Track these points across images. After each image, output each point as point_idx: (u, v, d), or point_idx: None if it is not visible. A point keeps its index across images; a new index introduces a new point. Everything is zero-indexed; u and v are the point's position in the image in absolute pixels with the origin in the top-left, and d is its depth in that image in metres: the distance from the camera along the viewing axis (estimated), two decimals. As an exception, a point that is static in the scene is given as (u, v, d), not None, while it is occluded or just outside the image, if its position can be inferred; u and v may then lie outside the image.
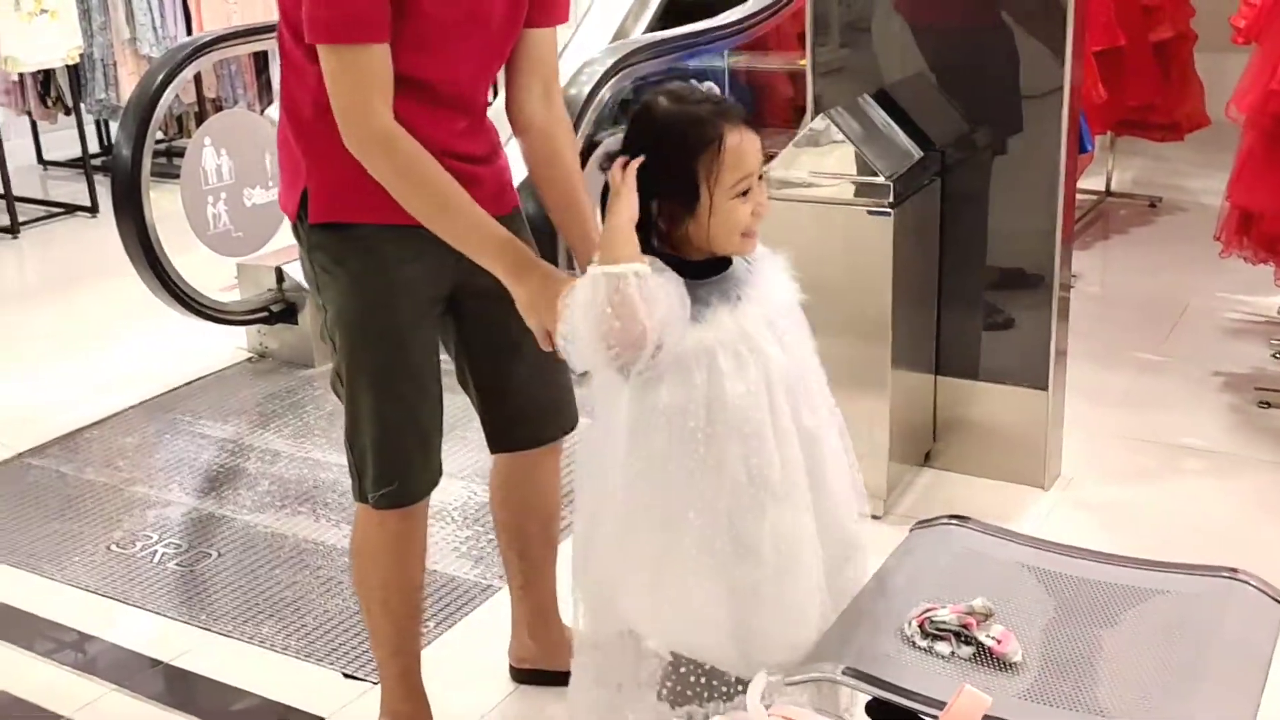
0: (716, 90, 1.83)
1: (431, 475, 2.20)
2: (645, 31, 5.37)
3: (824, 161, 2.98)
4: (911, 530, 2.15)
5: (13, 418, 4.03)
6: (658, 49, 3.74)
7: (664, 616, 1.85)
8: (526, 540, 2.46)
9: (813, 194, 2.98)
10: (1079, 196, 5.21)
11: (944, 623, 1.79)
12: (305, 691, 2.62)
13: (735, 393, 1.75)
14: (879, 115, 3.11)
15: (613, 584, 1.87)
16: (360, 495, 2.18)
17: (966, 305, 3.26)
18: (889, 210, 2.90)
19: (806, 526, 1.84)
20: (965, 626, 1.79)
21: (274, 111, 5.32)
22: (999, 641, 1.77)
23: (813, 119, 3.20)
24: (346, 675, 2.66)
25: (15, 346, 4.72)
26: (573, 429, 2.36)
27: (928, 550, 2.06)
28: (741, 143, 1.73)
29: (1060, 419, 3.26)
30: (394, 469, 2.13)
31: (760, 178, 1.78)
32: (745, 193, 1.75)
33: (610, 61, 3.48)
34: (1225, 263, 4.12)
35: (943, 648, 1.79)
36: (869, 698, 1.77)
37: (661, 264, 1.75)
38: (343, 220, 2.04)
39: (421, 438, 2.15)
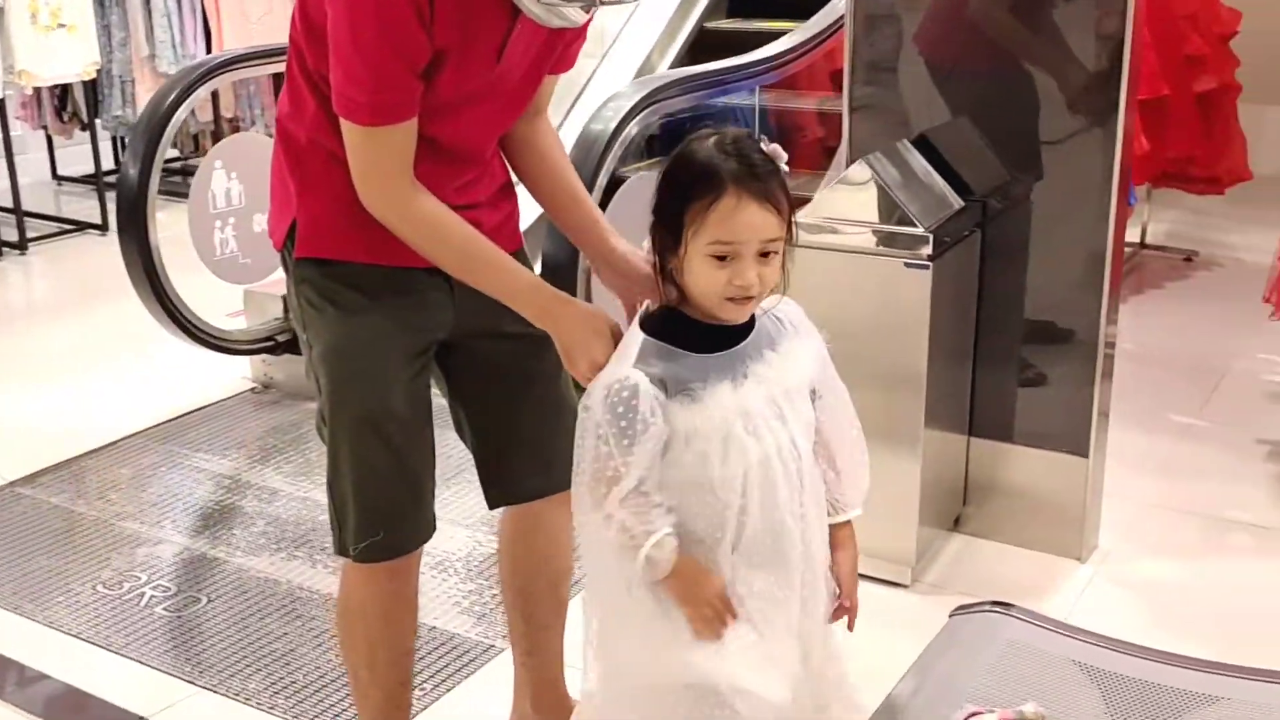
0: (782, 156, 1.72)
1: (423, 526, 2.06)
2: (671, 66, 5.28)
3: (861, 209, 2.83)
4: (952, 616, 1.99)
5: (7, 441, 3.89)
6: (686, 84, 3.60)
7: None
8: (533, 602, 2.29)
9: (847, 242, 2.83)
10: (1116, 249, 5.08)
11: (991, 729, 1.63)
12: (292, 756, 2.47)
13: (713, 478, 1.68)
14: (918, 162, 2.96)
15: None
16: (340, 548, 2.04)
17: (1003, 363, 3.10)
18: (928, 263, 2.75)
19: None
20: (1014, 734, 1.62)
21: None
22: (1051, 753, 1.61)
23: (848, 163, 3.06)
24: (335, 740, 2.50)
25: (15, 366, 4.58)
26: None
27: (970, 641, 1.90)
28: (737, 209, 1.65)
29: (1100, 488, 3.09)
30: (378, 518, 2.00)
31: (767, 255, 1.68)
32: (725, 259, 1.65)
33: (637, 96, 3.34)
34: (1267, 322, 3.95)
35: (989, 757, 1.62)
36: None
37: (655, 344, 1.69)
38: (332, 256, 1.94)
39: (411, 485, 2.02)
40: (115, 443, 3.90)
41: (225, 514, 3.46)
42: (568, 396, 2.12)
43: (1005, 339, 3.09)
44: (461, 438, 2.19)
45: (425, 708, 2.58)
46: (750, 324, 1.75)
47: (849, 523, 1.85)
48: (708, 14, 5.40)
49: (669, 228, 1.69)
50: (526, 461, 2.14)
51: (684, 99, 3.56)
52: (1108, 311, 2.97)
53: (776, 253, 1.69)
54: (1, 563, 3.20)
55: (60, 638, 2.87)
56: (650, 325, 1.74)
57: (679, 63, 5.24)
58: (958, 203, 2.92)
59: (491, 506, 2.22)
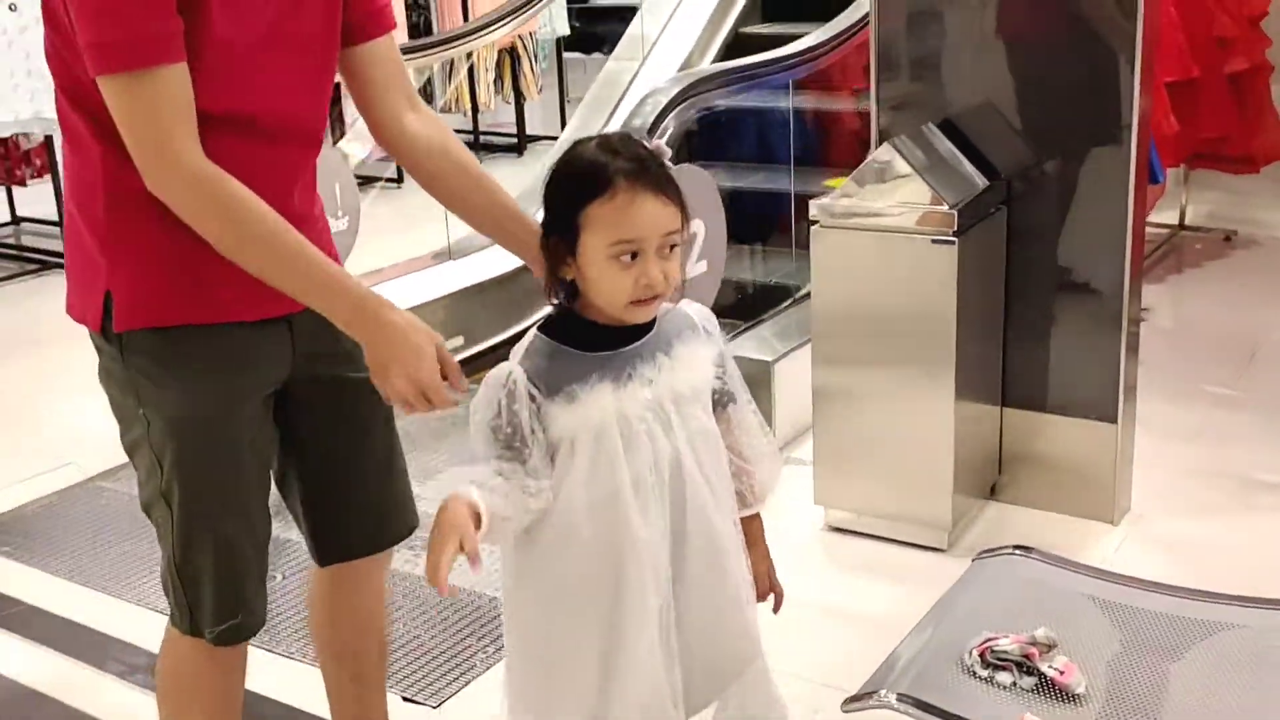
0: (667, 152, 1.68)
1: (265, 598, 1.94)
2: (712, 62, 5.44)
3: (888, 190, 2.97)
4: (974, 560, 2.12)
5: (84, 440, 4.10)
6: (723, 79, 3.76)
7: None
8: (362, 662, 2.16)
9: (876, 223, 2.97)
10: (1152, 230, 5.17)
11: (1006, 652, 1.77)
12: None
13: (581, 486, 1.63)
14: (944, 144, 3.10)
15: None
16: (192, 629, 1.87)
17: (1033, 336, 3.22)
18: (953, 239, 2.88)
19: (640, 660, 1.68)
20: (1028, 657, 1.76)
21: (348, 145, 5.42)
22: (1062, 673, 1.74)
23: (877, 148, 3.20)
24: (405, 699, 2.67)
25: (83, 372, 4.80)
26: (415, 528, 2.06)
27: (990, 580, 2.03)
28: (633, 204, 1.58)
29: (1130, 452, 3.20)
30: (237, 599, 1.86)
31: (671, 249, 1.62)
32: (634, 256, 1.59)
33: (674, 91, 3.50)
34: (1304, 296, 4.04)
35: (1004, 678, 1.76)
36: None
37: (546, 341, 1.66)
38: (161, 323, 1.75)
39: (259, 557, 1.90)
40: (190, 439, 4.11)
41: (296, 500, 3.65)
42: (398, 443, 2.02)
43: (1034, 313, 3.22)
44: (285, 495, 2.02)
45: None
46: (649, 325, 1.69)
47: (757, 518, 1.83)
48: (743, 19, 5.55)
49: (562, 234, 1.62)
50: (361, 516, 2.01)
51: (720, 93, 3.71)
52: (1130, 285, 3.08)
53: (677, 245, 1.63)
54: (88, 550, 3.41)
55: (149, 614, 3.06)
56: (547, 327, 1.69)
57: (718, 61, 5.39)
58: (983, 182, 3.05)
59: (323, 564, 2.07)
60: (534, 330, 1.68)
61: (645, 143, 1.66)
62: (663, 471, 1.65)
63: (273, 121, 1.75)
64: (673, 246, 1.62)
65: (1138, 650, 1.85)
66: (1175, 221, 5.52)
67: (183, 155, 1.61)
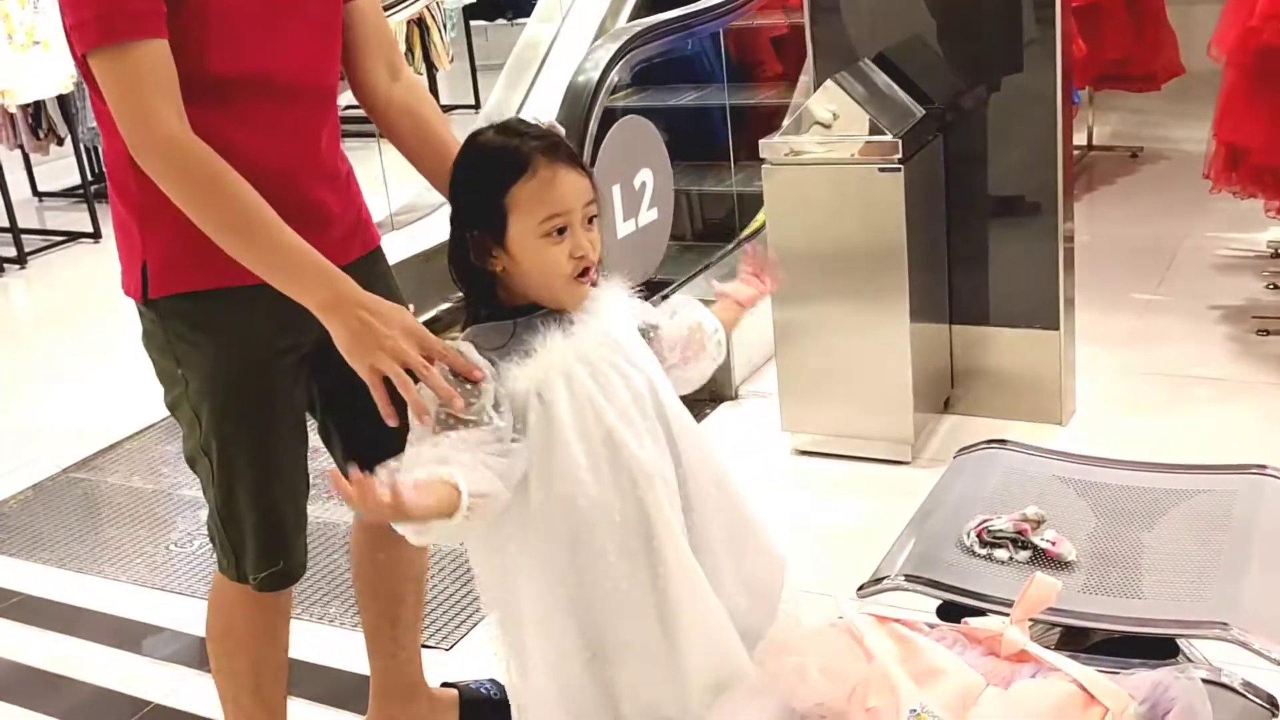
0: (560, 129, 1.72)
1: (305, 547, 2.07)
2: (627, 22, 5.52)
3: (833, 125, 3.11)
4: (955, 456, 2.28)
5: (51, 436, 4.13)
6: (657, 32, 3.86)
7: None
8: (400, 605, 2.29)
9: (824, 156, 3.11)
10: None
11: (1001, 530, 1.93)
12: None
13: (572, 436, 1.63)
14: (880, 78, 3.24)
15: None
16: (239, 576, 2.01)
17: (975, 255, 3.40)
18: (899, 166, 3.03)
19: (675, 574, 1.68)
20: (1021, 533, 1.92)
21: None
22: (1053, 544, 1.91)
23: (815, 85, 3.34)
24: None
25: (41, 371, 4.81)
26: None
27: (973, 471, 2.19)
28: (555, 179, 1.63)
29: (1073, 357, 3.40)
30: (278, 547, 1.99)
31: (591, 221, 1.67)
32: (561, 231, 1.63)
33: (615, 46, 3.60)
34: (1211, 204, 4.27)
35: (1001, 554, 1.92)
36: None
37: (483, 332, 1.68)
38: (190, 289, 1.87)
39: (296, 508, 2.03)
40: (154, 425, 4.14)
41: (273, 474, 3.72)
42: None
43: (974, 233, 3.39)
44: (330, 449, 2.15)
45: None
46: None
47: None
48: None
49: (486, 222, 1.63)
50: None
51: (655, 45, 3.82)
52: (1064, 202, 3.27)
53: (597, 215, 1.68)
54: (73, 537, 3.46)
55: (146, 591, 3.14)
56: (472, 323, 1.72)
57: (634, 18, 5.46)
58: (920, 111, 3.20)
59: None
60: (464, 334, 1.69)
61: (538, 123, 1.70)
62: (644, 404, 1.68)
63: (286, 79, 1.84)
64: (592, 218, 1.66)
65: (1112, 519, 2.02)
66: (1084, 142, 5.75)
67: (160, 125, 1.69)
